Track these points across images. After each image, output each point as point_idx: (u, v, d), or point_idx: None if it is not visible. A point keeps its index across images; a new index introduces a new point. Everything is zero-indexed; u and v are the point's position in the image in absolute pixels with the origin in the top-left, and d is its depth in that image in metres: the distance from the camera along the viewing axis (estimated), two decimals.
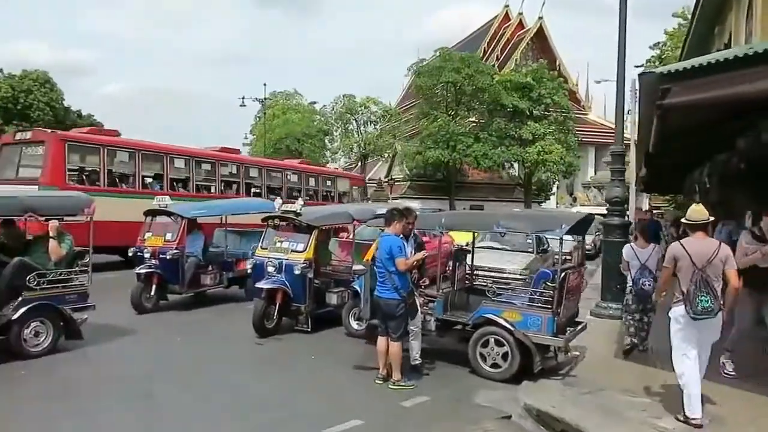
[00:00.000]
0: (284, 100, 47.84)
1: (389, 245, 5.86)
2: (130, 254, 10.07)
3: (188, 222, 9.91)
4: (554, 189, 44.62)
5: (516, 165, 38.96)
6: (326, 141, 42.33)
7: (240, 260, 10.74)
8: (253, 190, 17.83)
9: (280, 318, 8.11)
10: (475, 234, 11.43)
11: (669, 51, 31.15)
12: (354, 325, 8.07)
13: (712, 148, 9.99)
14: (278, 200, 8.95)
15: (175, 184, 15.50)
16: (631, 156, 29.23)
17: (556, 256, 13.77)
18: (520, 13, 52.99)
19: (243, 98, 39.26)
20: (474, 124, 36.45)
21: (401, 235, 6.13)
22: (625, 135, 43.84)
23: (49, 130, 14.31)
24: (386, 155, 39.82)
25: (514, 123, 35.55)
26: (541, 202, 42.22)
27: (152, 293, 9.41)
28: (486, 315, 6.48)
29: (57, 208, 7.32)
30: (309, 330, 8.17)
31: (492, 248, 11.83)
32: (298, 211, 8.35)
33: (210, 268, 10.32)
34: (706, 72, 5.04)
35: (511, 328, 6.26)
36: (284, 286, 8.01)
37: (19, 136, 14.42)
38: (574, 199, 41.77)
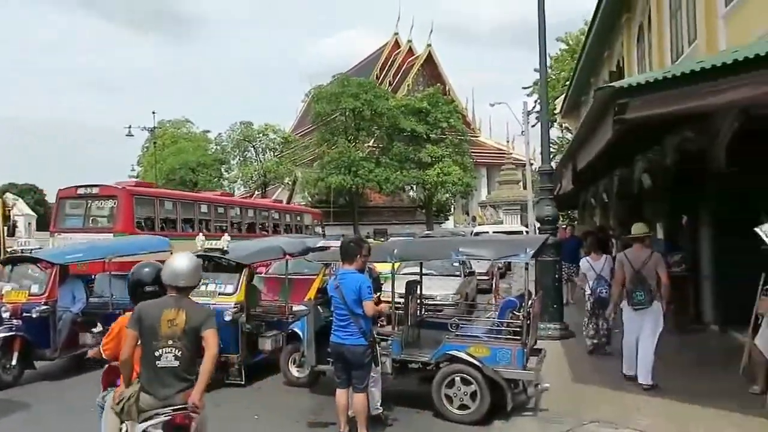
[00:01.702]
0: (174, 128, 45.10)
1: (358, 285, 5.05)
2: None
3: (61, 269, 8.08)
4: (452, 210, 45.81)
5: (416, 187, 39.51)
6: (222, 170, 40.34)
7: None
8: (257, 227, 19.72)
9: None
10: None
11: (553, 75, 33.03)
12: (295, 372, 7.18)
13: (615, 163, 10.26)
14: (200, 236, 7.86)
15: (200, 225, 16.70)
16: (527, 175, 30.65)
17: (479, 278, 14.18)
18: (410, 41, 54.58)
19: (129, 127, 36.54)
20: (374, 149, 36.56)
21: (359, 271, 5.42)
22: (516, 156, 45.82)
23: (119, 186, 15.26)
24: (287, 182, 38.71)
25: (413, 146, 36.09)
26: (441, 223, 43.17)
27: (14, 362, 7.45)
28: (450, 352, 5.93)
29: None
30: (243, 383, 7.16)
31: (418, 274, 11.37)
32: (225, 248, 7.37)
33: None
34: (668, 85, 4.91)
35: (480, 365, 5.75)
36: None
37: (81, 191, 15.03)
38: (473, 219, 42.96)
